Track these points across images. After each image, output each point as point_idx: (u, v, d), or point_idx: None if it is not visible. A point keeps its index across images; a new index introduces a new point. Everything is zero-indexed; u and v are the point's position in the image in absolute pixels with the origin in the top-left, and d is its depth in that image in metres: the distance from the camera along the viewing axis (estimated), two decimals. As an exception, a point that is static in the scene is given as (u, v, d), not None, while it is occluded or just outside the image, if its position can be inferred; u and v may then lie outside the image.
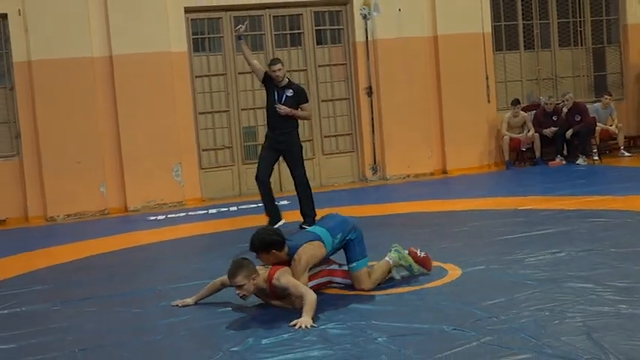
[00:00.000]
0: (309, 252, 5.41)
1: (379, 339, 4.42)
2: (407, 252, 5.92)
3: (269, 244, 5.38)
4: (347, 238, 5.64)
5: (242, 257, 5.40)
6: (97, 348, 4.79)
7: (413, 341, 4.33)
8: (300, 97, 8.81)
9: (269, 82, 8.77)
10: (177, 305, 5.59)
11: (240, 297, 5.24)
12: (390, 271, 5.86)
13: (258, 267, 5.37)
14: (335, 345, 4.39)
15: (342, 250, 5.70)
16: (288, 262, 5.42)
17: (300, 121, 8.97)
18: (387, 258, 5.83)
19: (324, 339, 4.52)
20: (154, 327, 5.15)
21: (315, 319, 4.84)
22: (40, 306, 6.05)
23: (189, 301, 5.63)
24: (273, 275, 5.26)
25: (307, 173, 8.95)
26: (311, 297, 5.00)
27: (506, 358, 3.91)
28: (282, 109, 8.63)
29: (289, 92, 8.74)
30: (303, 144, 9.00)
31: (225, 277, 5.49)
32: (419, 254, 5.95)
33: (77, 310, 5.86)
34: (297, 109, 8.74)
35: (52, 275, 7.33)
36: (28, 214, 11.76)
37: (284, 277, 5.22)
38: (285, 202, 11.35)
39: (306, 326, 4.73)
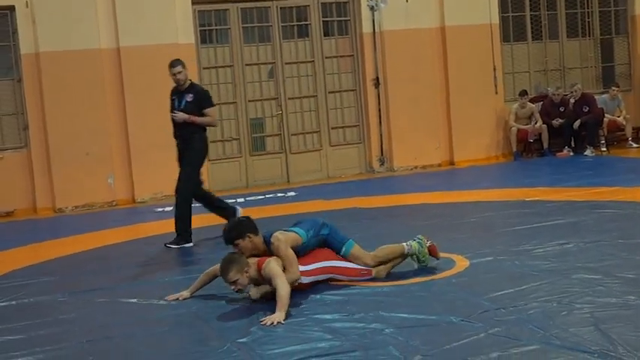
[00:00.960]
0: (283, 235, 5.41)
1: (386, 330, 4.40)
2: (427, 248, 5.84)
3: (242, 229, 5.39)
4: (320, 233, 5.64)
5: (232, 252, 5.35)
6: (104, 339, 4.79)
7: (420, 332, 4.32)
8: (202, 101, 8.03)
9: (175, 87, 8.16)
10: (176, 299, 5.52)
11: (237, 292, 5.20)
12: (401, 256, 5.80)
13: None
14: (342, 336, 4.37)
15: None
16: (266, 252, 5.39)
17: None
18: (404, 243, 5.79)
19: (331, 330, 4.51)
20: (161, 318, 5.15)
21: (287, 314, 4.80)
22: (48, 297, 6.05)
23: (185, 294, 5.58)
24: (262, 265, 5.21)
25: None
26: (283, 291, 4.93)
27: (514, 349, 3.89)
28: (178, 115, 7.93)
29: (189, 97, 8.00)
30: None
31: (217, 267, 5.43)
32: (428, 243, 5.92)
33: (85, 302, 5.86)
34: (199, 114, 7.98)
35: (60, 266, 7.33)
36: (37, 205, 11.77)
37: (269, 265, 5.18)
38: (292, 194, 11.37)
39: (272, 322, 4.68)
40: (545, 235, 6.72)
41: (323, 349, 4.18)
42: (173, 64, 8.04)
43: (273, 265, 5.18)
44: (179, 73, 7.99)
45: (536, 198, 8.91)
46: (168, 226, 8.35)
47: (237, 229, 5.44)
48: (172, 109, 8.07)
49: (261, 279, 5.25)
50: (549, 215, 7.69)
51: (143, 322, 5.09)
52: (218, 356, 4.23)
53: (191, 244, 7.80)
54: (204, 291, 5.59)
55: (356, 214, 8.98)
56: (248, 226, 5.46)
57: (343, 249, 5.67)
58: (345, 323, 4.62)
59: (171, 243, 7.81)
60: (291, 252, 5.34)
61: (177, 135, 8.10)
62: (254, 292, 5.25)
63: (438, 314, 4.62)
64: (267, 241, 5.44)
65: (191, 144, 8.00)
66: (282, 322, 4.70)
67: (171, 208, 10.96)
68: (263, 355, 4.16)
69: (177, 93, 8.09)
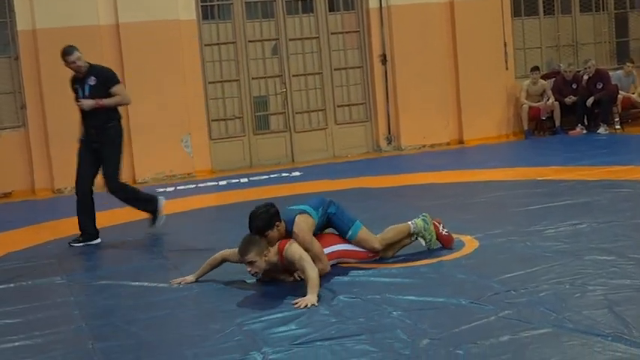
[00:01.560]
0: (303, 221, 5.37)
1: (394, 313, 4.39)
2: (440, 236, 5.83)
3: (272, 219, 5.27)
4: (328, 212, 5.59)
5: (251, 234, 5.29)
6: (104, 323, 4.79)
7: (429, 315, 4.31)
8: (107, 81, 7.44)
9: (73, 75, 7.57)
10: (178, 284, 5.52)
11: (252, 274, 5.17)
12: (408, 235, 5.77)
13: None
14: (348, 319, 4.36)
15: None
16: (287, 236, 5.35)
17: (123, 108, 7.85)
18: (410, 222, 5.77)
19: (337, 313, 4.50)
20: (162, 301, 5.14)
21: (319, 296, 4.79)
22: (47, 280, 6.05)
23: (190, 278, 5.56)
24: (283, 247, 5.21)
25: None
26: (312, 273, 4.92)
27: (526, 332, 3.88)
28: (84, 103, 7.36)
29: (91, 81, 7.40)
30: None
31: (225, 252, 5.45)
32: (441, 230, 5.87)
33: (84, 284, 5.87)
34: (107, 96, 7.40)
35: (59, 248, 7.33)
36: (35, 186, 11.76)
37: (291, 248, 5.16)
38: (297, 173, 11.35)
39: (307, 305, 4.67)
40: (558, 215, 6.69)
41: (328, 332, 4.17)
42: (67, 51, 7.39)
43: (295, 248, 5.16)
44: (78, 59, 7.38)
45: (548, 177, 8.88)
46: (171, 207, 8.33)
47: (268, 219, 5.27)
48: (77, 99, 7.46)
49: (282, 262, 5.21)
50: (561, 195, 7.66)
51: (144, 305, 5.09)
52: (220, 340, 4.23)
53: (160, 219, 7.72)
54: (207, 276, 5.58)
55: (362, 195, 8.96)
56: (276, 212, 5.33)
57: (350, 232, 5.61)
58: (352, 306, 4.61)
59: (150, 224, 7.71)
60: (317, 244, 5.33)
61: (89, 126, 7.42)
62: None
63: (446, 296, 4.61)
64: (288, 227, 5.36)
65: (107, 137, 7.42)
66: (316, 304, 4.67)
67: (172, 189, 10.98)
68: (266, 339, 4.16)
69: (78, 81, 7.48)
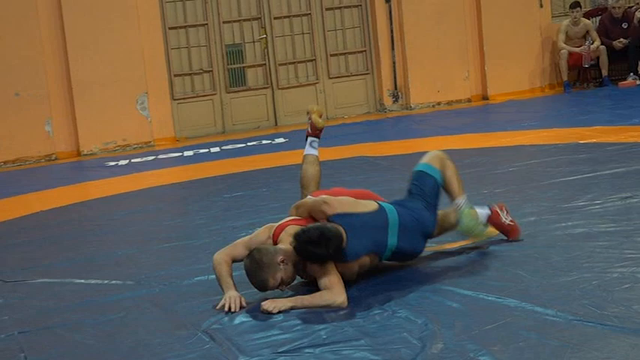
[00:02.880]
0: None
1: (399, 312, 4.41)
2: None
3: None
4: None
5: (250, 255, 4.84)
6: (42, 330, 4.79)
7: (443, 314, 4.32)
8: None
9: None
10: (229, 311, 4.76)
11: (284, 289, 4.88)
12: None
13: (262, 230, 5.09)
14: (343, 321, 4.37)
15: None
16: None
17: None
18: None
19: (330, 313, 4.51)
20: (114, 302, 5.16)
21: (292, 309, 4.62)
22: (-29, 278, 6.06)
23: (234, 294, 4.88)
24: (278, 235, 4.98)
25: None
26: (320, 301, 4.63)
27: (562, 332, 3.90)
28: None
29: None
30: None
31: (228, 250, 5.09)
32: (503, 219, 5.56)
33: (16, 283, 5.87)
34: None
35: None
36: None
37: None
38: (280, 140, 11.36)
39: (275, 308, 4.57)
40: (604, 187, 6.72)
41: (319, 337, 4.18)
42: None
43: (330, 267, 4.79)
44: None
45: (593, 140, 8.91)
46: (123, 185, 8.35)
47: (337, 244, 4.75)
48: None
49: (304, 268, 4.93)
50: (609, 162, 7.68)
51: (92, 308, 5.10)
52: (186, 348, 4.24)
53: None
54: (172, 270, 5.60)
55: (363, 166, 8.98)
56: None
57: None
58: (349, 304, 4.63)
59: None
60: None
61: None
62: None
63: (464, 290, 4.63)
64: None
65: None
66: (283, 311, 4.61)
67: (126, 162, 10.99)
68: (243, 347, 4.17)
69: None
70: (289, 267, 4.78)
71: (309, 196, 5.39)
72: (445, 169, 5.36)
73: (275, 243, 4.96)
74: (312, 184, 5.78)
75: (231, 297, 4.79)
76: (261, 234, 5.07)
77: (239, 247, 5.07)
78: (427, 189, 5.26)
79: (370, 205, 5.05)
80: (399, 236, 4.98)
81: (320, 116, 5.96)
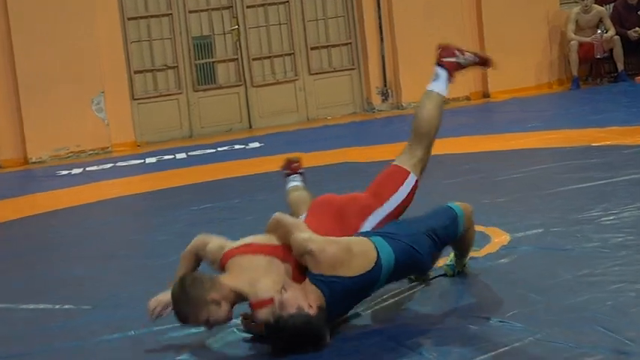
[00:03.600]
0: None
1: (391, 339, 4.42)
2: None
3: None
4: None
5: (182, 280, 4.53)
6: (-13, 361, 4.81)
7: (441, 339, 4.34)
8: None
9: None
10: (160, 315, 4.72)
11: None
12: None
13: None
14: (328, 351, 4.37)
15: None
16: None
17: None
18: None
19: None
20: (69, 328, 5.16)
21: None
22: None
23: (157, 298, 4.85)
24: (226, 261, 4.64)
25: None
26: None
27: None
28: None
29: None
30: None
31: (196, 244, 4.87)
32: (462, 60, 5.64)
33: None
34: None
35: None
36: None
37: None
38: (255, 145, 11.35)
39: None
40: (620, 195, 6.75)
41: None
42: None
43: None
44: None
45: (607, 142, 8.94)
46: (78, 196, 8.34)
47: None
48: None
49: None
50: (625, 167, 7.72)
51: (44, 335, 5.10)
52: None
53: None
54: (135, 291, 5.59)
55: (348, 172, 9.00)
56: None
57: None
58: (333, 333, 4.62)
59: None
60: None
61: None
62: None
63: (464, 312, 4.65)
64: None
65: None
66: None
67: (80, 170, 10.98)
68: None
69: None
70: (222, 308, 4.36)
71: (298, 220, 4.87)
72: (470, 227, 5.20)
73: (222, 268, 4.57)
74: (303, 208, 5.32)
75: (152, 301, 4.69)
76: (215, 248, 4.69)
77: (213, 245, 4.72)
78: (444, 230, 5.00)
79: (367, 257, 4.54)
80: (388, 279, 4.72)
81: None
